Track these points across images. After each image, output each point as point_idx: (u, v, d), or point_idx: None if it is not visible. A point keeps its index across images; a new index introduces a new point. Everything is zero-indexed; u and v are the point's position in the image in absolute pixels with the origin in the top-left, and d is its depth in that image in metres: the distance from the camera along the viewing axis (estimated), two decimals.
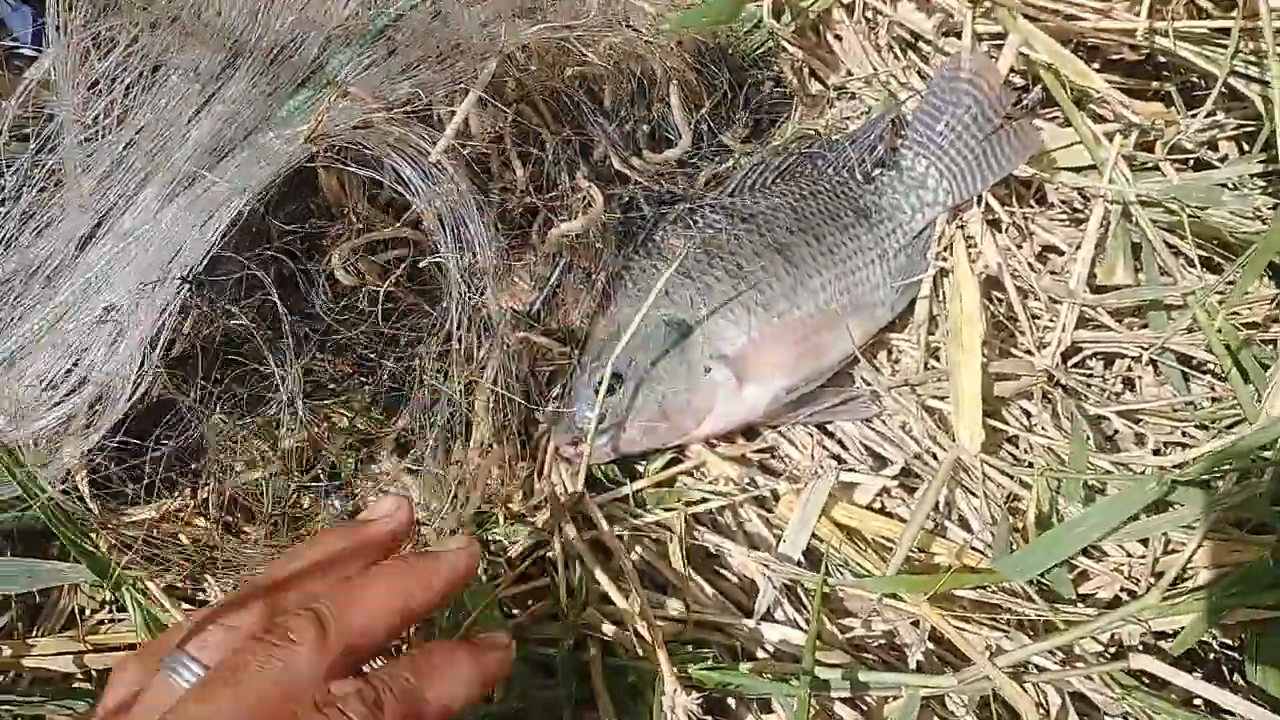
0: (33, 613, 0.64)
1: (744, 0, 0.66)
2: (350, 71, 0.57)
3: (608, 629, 0.59)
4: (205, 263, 0.55)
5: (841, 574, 0.64)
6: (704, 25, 0.65)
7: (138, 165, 0.58)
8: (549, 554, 0.63)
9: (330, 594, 0.43)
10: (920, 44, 0.78)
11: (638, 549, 0.64)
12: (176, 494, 0.64)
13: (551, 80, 0.65)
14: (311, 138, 0.53)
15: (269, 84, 0.58)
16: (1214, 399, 0.71)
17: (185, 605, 0.62)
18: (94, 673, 0.62)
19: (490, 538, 0.64)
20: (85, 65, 0.57)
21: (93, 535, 0.60)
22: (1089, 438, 0.67)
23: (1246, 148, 0.75)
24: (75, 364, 0.58)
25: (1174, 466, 0.61)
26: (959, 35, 0.74)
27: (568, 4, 0.64)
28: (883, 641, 0.63)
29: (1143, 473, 0.64)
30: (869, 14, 0.77)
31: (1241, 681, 0.59)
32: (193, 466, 0.63)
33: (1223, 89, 0.71)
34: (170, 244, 0.56)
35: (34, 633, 0.63)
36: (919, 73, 0.77)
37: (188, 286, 0.55)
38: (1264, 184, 0.73)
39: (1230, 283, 0.70)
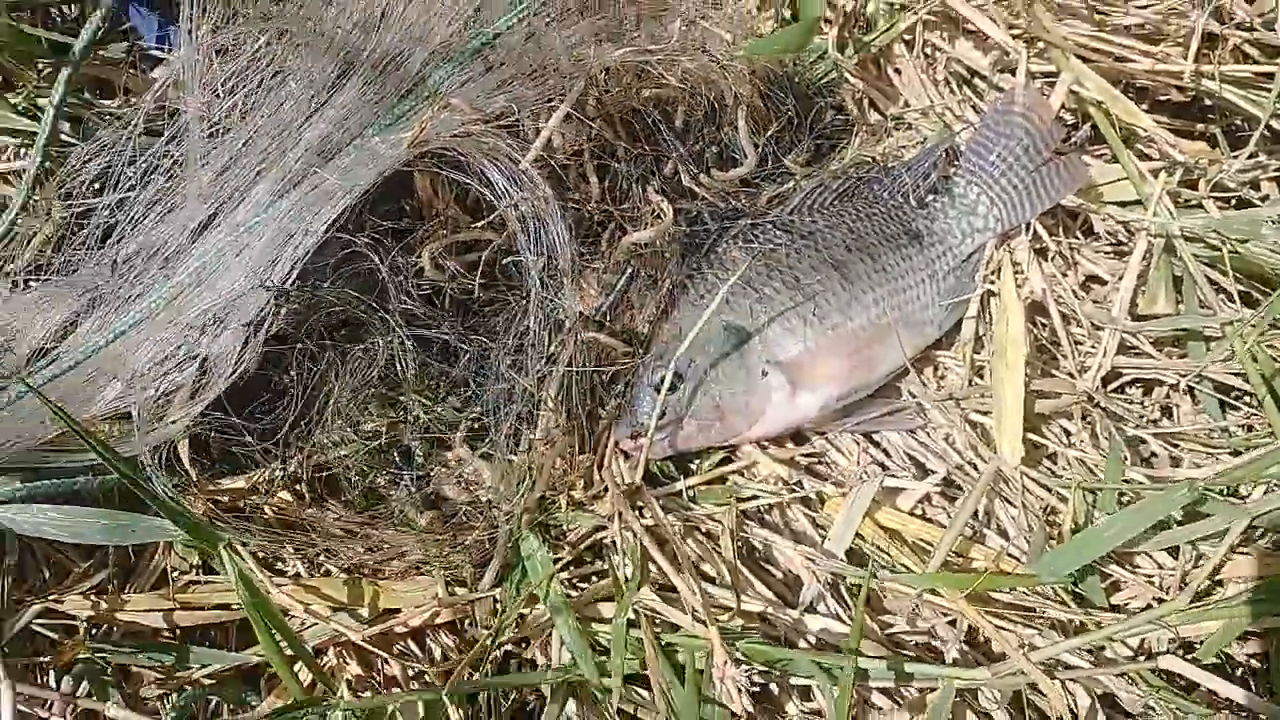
0: (127, 571, 0.69)
1: (812, 31, 0.71)
2: (450, 85, 0.62)
3: (661, 609, 0.63)
4: (304, 261, 0.61)
5: (884, 572, 0.67)
6: (774, 53, 0.69)
7: (253, 162, 0.63)
8: (607, 540, 0.67)
9: None
10: (976, 80, 0.82)
11: (690, 541, 0.68)
12: (266, 467, 0.69)
13: (629, 100, 0.69)
14: (414, 143, 0.58)
15: (376, 93, 0.63)
16: (1249, 427, 0.74)
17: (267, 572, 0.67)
18: (179, 629, 0.68)
19: (552, 522, 0.68)
20: (211, 68, 0.63)
21: (188, 500, 0.65)
22: (1125, 456, 0.70)
23: None
24: (185, 341, 0.63)
25: (1207, 480, 0.63)
26: (1013, 72, 0.78)
27: (649, 28, 0.69)
28: (921, 638, 0.66)
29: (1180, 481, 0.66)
30: (928, 50, 0.81)
31: (1267, 688, 0.62)
32: (280, 443, 0.68)
33: (1265, 130, 0.74)
34: (280, 235, 0.61)
35: (127, 589, 0.68)
36: (974, 107, 0.81)
37: (274, 296, 0.60)
38: None
39: (1270, 317, 0.72)
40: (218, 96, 0.64)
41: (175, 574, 0.68)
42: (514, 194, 0.62)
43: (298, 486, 0.68)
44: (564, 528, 0.68)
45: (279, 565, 0.69)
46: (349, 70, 0.64)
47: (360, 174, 0.61)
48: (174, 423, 0.63)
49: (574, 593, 0.65)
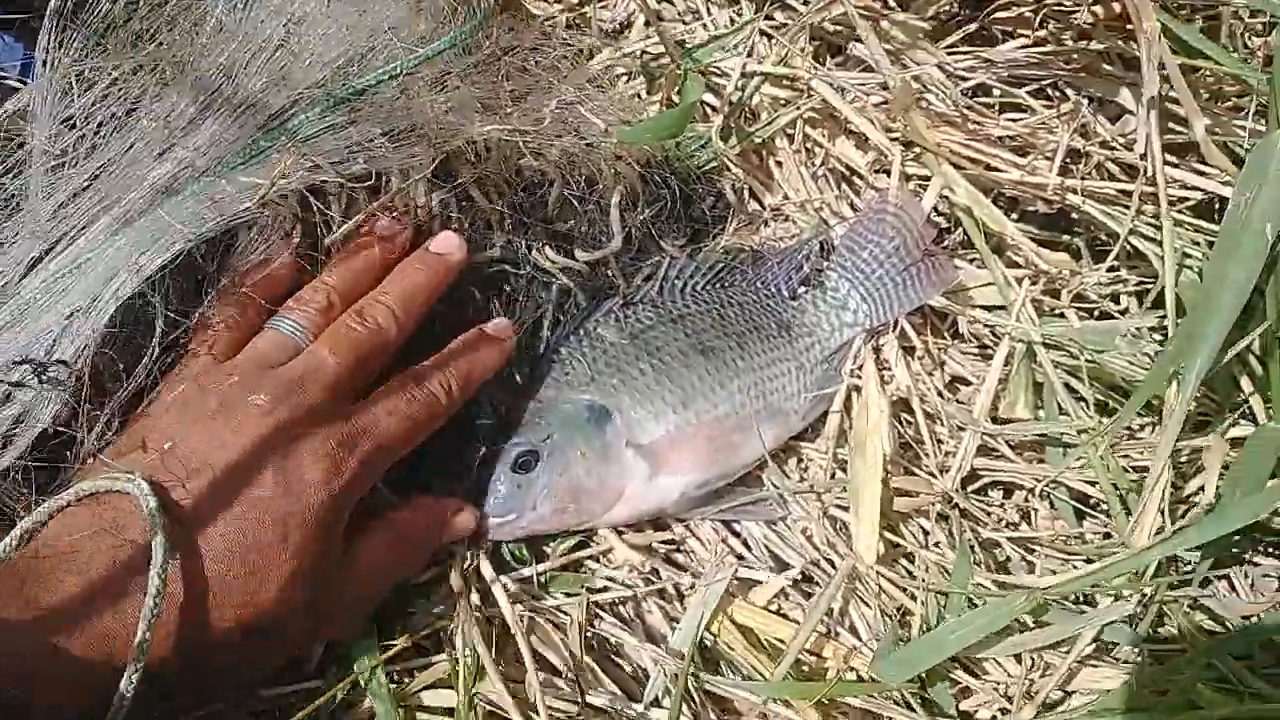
0: None
1: (688, 119, 0.71)
2: (309, 130, 0.60)
3: (501, 703, 0.60)
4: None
5: (733, 673, 0.65)
6: (649, 140, 0.69)
7: (95, 199, 0.60)
8: (448, 627, 0.63)
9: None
10: (854, 177, 0.83)
11: (536, 632, 0.64)
12: None
13: (503, 171, 0.68)
14: (264, 200, 0.55)
15: (233, 135, 0.61)
16: (1106, 535, 0.75)
17: None
18: None
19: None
20: (64, 100, 0.60)
21: None
22: (979, 559, 0.70)
23: (1147, 304, 0.81)
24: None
25: (1051, 586, 0.63)
26: (889, 173, 0.79)
27: (531, 102, 0.68)
28: None
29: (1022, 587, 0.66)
30: (809, 145, 0.82)
31: None
32: None
33: (1125, 246, 0.77)
34: (105, 277, 0.58)
35: None
36: (850, 203, 0.83)
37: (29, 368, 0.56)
38: (1160, 337, 0.78)
39: (1127, 428, 0.74)
40: (67, 128, 0.61)
41: None
42: None
43: None
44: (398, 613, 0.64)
45: None
46: (205, 111, 0.61)
47: (204, 215, 0.58)
48: None
49: (404, 680, 0.62)
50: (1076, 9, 0.75)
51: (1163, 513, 0.66)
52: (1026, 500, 0.78)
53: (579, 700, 0.60)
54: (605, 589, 0.67)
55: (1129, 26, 0.75)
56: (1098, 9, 0.74)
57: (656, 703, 0.63)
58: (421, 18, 0.66)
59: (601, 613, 0.67)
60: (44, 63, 0.61)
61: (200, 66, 0.60)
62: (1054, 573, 0.72)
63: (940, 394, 0.78)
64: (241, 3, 0.62)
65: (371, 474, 0.57)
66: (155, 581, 0.45)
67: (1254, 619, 0.60)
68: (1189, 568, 0.66)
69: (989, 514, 0.75)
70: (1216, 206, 0.76)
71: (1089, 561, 0.73)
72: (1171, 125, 0.75)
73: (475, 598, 0.64)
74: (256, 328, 0.60)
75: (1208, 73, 0.72)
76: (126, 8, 0.63)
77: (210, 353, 0.57)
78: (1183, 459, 0.72)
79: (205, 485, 0.50)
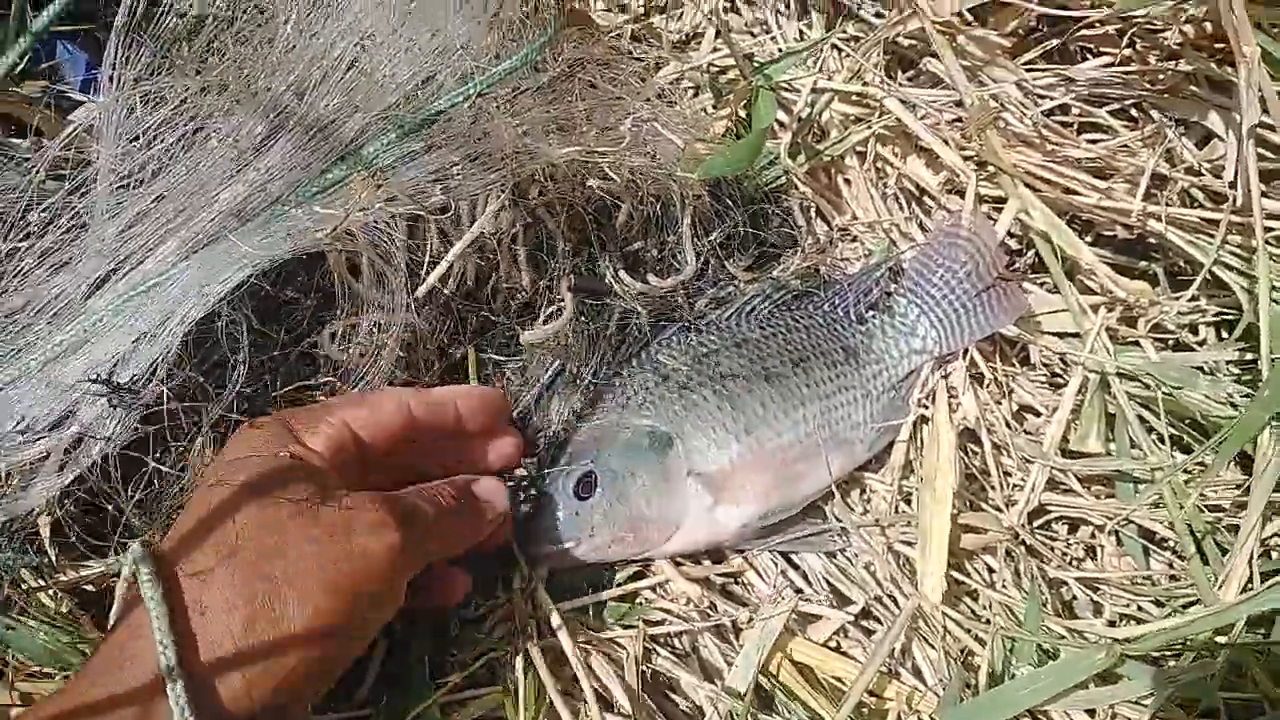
0: None
1: (759, 148, 0.69)
2: (384, 158, 0.59)
3: None
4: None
5: (791, 713, 0.64)
6: (724, 172, 0.67)
7: (163, 220, 0.59)
8: (503, 658, 0.63)
9: None
10: (925, 198, 0.81)
11: (594, 662, 0.64)
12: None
13: (572, 194, 0.67)
14: (336, 233, 0.55)
15: (304, 159, 0.60)
16: (1172, 576, 0.73)
17: None
18: None
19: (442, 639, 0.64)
20: (131, 117, 0.60)
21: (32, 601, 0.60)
22: (1046, 601, 0.68)
23: (1225, 334, 0.78)
24: (62, 405, 0.58)
25: (1126, 640, 0.61)
26: (962, 194, 0.77)
27: (599, 118, 0.67)
28: None
29: (1095, 642, 0.64)
30: (879, 164, 0.80)
31: None
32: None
33: (1206, 276, 0.74)
34: (175, 300, 0.57)
35: None
36: (920, 224, 0.81)
37: (101, 386, 0.56)
38: (1238, 371, 0.76)
39: (1200, 463, 0.72)
40: (135, 147, 0.60)
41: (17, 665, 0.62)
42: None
43: None
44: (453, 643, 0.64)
45: None
46: (276, 132, 0.60)
47: (276, 244, 0.57)
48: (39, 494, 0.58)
49: (455, 712, 0.61)
50: (1166, 28, 0.72)
51: (1250, 567, 0.63)
52: (1094, 536, 0.76)
53: None
54: (662, 622, 0.67)
55: (1218, 47, 0.72)
56: (1188, 28, 0.71)
57: None
58: (492, 35, 0.65)
59: (657, 646, 0.66)
60: (110, 79, 0.61)
61: (270, 86, 0.59)
62: (1122, 616, 0.71)
63: (1008, 424, 0.76)
64: (312, 22, 0.61)
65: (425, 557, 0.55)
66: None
67: None
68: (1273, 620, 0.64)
69: (1054, 550, 0.73)
70: None
71: (1158, 604, 0.71)
72: (1262, 152, 0.71)
73: (531, 626, 0.63)
74: None
75: None
76: (194, 22, 0.62)
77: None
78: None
79: None
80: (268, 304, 0.60)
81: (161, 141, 0.60)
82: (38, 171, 0.58)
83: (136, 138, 0.60)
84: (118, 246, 0.60)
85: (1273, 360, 0.67)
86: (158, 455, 0.56)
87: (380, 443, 0.57)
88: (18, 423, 0.56)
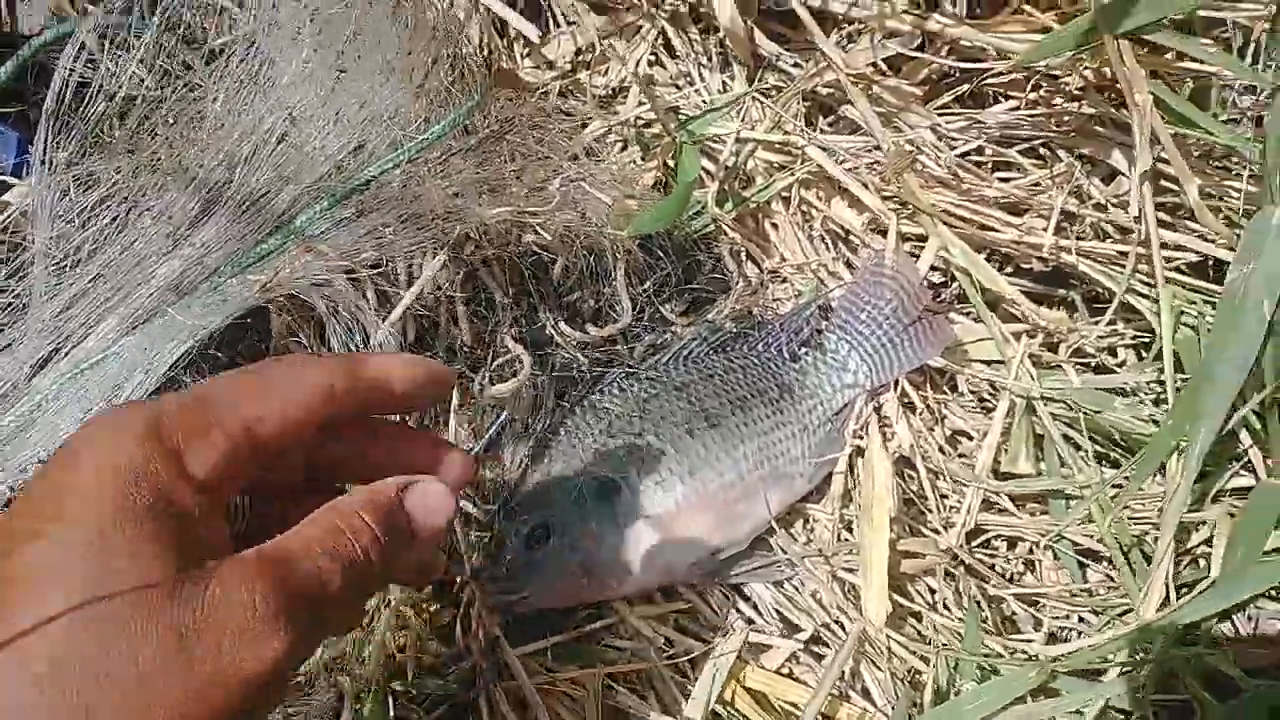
0: None
1: (685, 204, 0.72)
2: (318, 227, 0.60)
3: None
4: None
5: None
6: (657, 227, 0.70)
7: (101, 298, 0.60)
8: (465, 703, 0.64)
9: None
10: (850, 238, 0.84)
11: (553, 703, 0.65)
12: None
13: (506, 249, 0.69)
14: (266, 288, 0.56)
15: (239, 231, 0.61)
16: (1110, 587, 0.75)
17: None
18: None
19: (400, 686, 0.64)
20: (65, 200, 0.61)
21: None
22: (986, 619, 0.70)
23: (1144, 354, 0.82)
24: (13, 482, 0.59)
25: (1058, 657, 0.64)
26: (885, 233, 0.80)
27: (529, 177, 0.69)
28: None
29: (1033, 658, 0.67)
30: (804, 208, 0.83)
31: None
32: None
33: (1119, 303, 0.77)
34: (120, 376, 0.58)
35: None
36: (847, 263, 0.84)
37: None
38: (1157, 389, 0.79)
39: (1126, 478, 0.75)
40: (70, 228, 0.61)
41: None
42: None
43: None
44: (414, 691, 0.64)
45: None
46: (210, 207, 0.62)
47: (214, 313, 0.58)
48: None
49: None
50: (1067, 75, 0.76)
51: (1166, 584, 0.67)
52: (1031, 552, 0.79)
53: None
54: (617, 661, 0.68)
55: (1118, 88, 0.76)
56: (1088, 73, 0.75)
57: None
58: (420, 102, 0.67)
59: (615, 683, 0.68)
60: (42, 162, 0.62)
61: (202, 163, 0.61)
62: (1062, 628, 0.74)
63: (942, 450, 0.78)
64: (241, 98, 0.63)
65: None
66: None
67: (1260, 685, 0.61)
68: (1196, 631, 0.67)
69: (993, 568, 0.76)
70: (1211, 264, 0.77)
71: (1096, 613, 0.74)
72: (1164, 183, 0.75)
73: (490, 671, 0.64)
74: None
75: (1196, 137, 0.73)
76: (124, 103, 0.63)
77: None
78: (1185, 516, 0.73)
79: None
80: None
81: (96, 222, 0.61)
82: None
83: (71, 220, 0.61)
84: (58, 326, 0.60)
85: (1176, 380, 0.71)
86: None
87: (286, 440, 0.39)
88: None
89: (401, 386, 0.43)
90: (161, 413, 0.36)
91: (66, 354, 0.61)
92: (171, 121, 0.61)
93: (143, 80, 0.62)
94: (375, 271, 0.62)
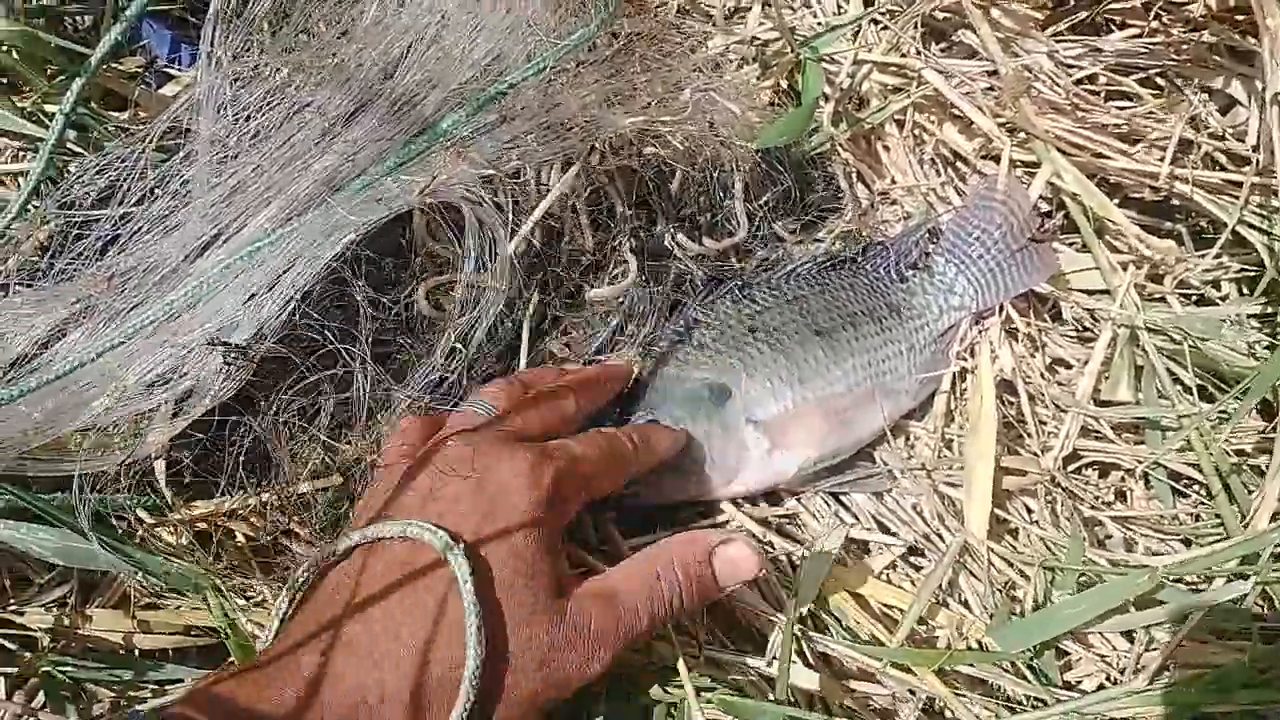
0: (89, 586, 0.68)
1: (809, 120, 0.73)
2: (461, 130, 0.63)
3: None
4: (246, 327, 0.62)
5: (848, 637, 0.69)
6: (784, 141, 0.72)
7: (260, 188, 0.64)
8: None
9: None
10: (960, 163, 0.85)
11: None
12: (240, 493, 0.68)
13: (630, 159, 0.72)
14: (426, 192, 0.59)
15: (389, 131, 0.64)
16: (1196, 517, 0.77)
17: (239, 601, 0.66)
18: (138, 651, 0.67)
19: None
20: (228, 94, 0.64)
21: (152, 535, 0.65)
22: (1084, 538, 0.72)
23: (1247, 290, 0.82)
24: (175, 360, 0.63)
25: (1167, 568, 0.66)
26: (997, 159, 0.81)
27: (659, 88, 0.71)
28: (881, 705, 0.67)
29: (1141, 567, 0.69)
30: (917, 131, 0.85)
31: None
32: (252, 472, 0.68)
33: (1229, 235, 0.78)
34: (282, 263, 0.62)
35: (89, 605, 0.68)
36: (956, 189, 0.85)
37: (222, 349, 0.61)
38: (1260, 324, 0.80)
39: (1223, 411, 0.76)
40: (232, 121, 0.64)
41: (136, 595, 0.67)
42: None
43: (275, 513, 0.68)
44: None
45: (249, 593, 0.69)
46: (363, 106, 0.65)
47: (367, 209, 0.62)
48: (155, 440, 0.63)
49: None
50: (1191, 1, 0.76)
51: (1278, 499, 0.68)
52: (1123, 480, 0.80)
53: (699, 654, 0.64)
54: None
55: (1240, 18, 0.76)
56: (1212, 2, 0.75)
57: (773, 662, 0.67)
58: (557, 14, 0.69)
59: None
60: (208, 57, 0.65)
61: (360, 61, 0.64)
62: (1154, 552, 0.75)
63: (1043, 376, 0.80)
64: (393, 2, 0.66)
65: (568, 492, 0.57)
66: (473, 642, 0.48)
67: None
68: None
69: (1088, 492, 0.78)
70: None
71: (1185, 542, 0.76)
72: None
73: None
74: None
75: None
76: (288, 5, 0.66)
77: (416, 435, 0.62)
78: None
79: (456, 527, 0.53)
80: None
81: (257, 116, 0.65)
82: (151, 142, 0.62)
83: (235, 113, 0.64)
84: (219, 212, 0.64)
85: None
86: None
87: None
88: (137, 377, 0.61)
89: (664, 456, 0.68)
90: (561, 480, 0.56)
91: (225, 240, 0.64)
92: (332, 25, 0.64)
93: None
94: (515, 181, 0.65)
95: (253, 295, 0.60)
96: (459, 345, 0.65)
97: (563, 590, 0.53)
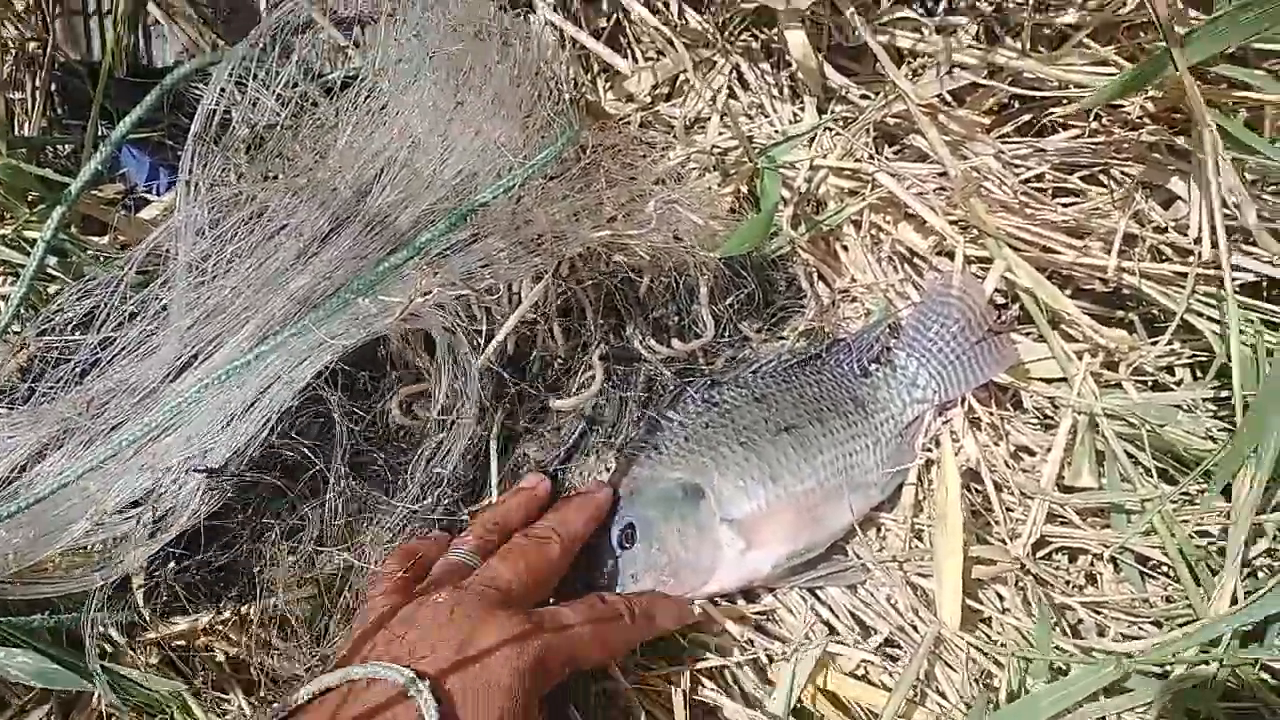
0: (68, 704, 0.68)
1: (769, 227, 0.76)
2: (436, 246, 0.65)
3: None
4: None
5: None
6: (745, 249, 0.75)
7: (237, 309, 0.66)
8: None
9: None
10: (917, 260, 0.88)
11: (647, 701, 0.70)
12: (217, 607, 0.69)
13: (598, 267, 0.74)
14: (402, 316, 0.61)
15: (364, 248, 0.66)
16: (1168, 599, 0.78)
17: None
18: None
19: None
20: (206, 218, 0.66)
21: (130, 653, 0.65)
22: (1055, 624, 0.74)
23: (1199, 373, 0.85)
24: (154, 483, 0.64)
25: (1131, 655, 0.67)
26: (951, 256, 0.84)
27: (624, 201, 0.74)
28: None
29: (1112, 654, 0.70)
30: (873, 231, 0.88)
31: None
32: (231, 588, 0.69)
33: (1179, 323, 0.81)
34: (260, 383, 0.63)
35: None
36: (914, 284, 0.88)
37: (204, 476, 0.62)
38: (1214, 407, 0.82)
39: (1185, 493, 0.78)
40: (210, 244, 0.66)
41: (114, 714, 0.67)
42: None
43: (251, 627, 0.68)
44: None
45: (225, 706, 0.69)
46: (338, 226, 0.67)
47: (344, 329, 0.63)
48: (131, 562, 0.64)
49: None
50: (1129, 104, 0.80)
51: (1235, 585, 0.70)
52: (1093, 564, 0.82)
53: None
54: (704, 658, 0.72)
55: (1176, 117, 0.80)
56: (1148, 104, 0.79)
57: None
58: (524, 133, 0.72)
59: (701, 681, 0.72)
60: (187, 183, 0.67)
61: (335, 185, 0.66)
62: (1125, 635, 0.76)
63: (1007, 464, 0.82)
64: (367, 127, 0.68)
65: (553, 666, 0.59)
66: None
67: None
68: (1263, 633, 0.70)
69: (1058, 577, 0.79)
70: (1265, 285, 0.81)
71: (1157, 624, 0.77)
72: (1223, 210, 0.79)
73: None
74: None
75: (1254, 162, 0.76)
76: (260, 132, 0.69)
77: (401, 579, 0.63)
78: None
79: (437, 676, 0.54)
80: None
81: (234, 240, 0.67)
82: (130, 268, 0.64)
83: (213, 236, 0.66)
84: (197, 333, 0.66)
85: (1244, 396, 0.74)
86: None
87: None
88: (116, 500, 0.62)
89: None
90: (546, 656, 0.57)
91: (203, 361, 0.66)
92: (307, 150, 0.66)
93: (279, 113, 0.67)
94: (490, 298, 0.67)
95: (232, 418, 0.61)
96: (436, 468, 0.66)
97: None
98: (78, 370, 0.65)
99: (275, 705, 0.55)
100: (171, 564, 0.65)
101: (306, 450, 0.64)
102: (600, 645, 0.63)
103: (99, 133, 0.75)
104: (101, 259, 0.69)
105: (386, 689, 0.52)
